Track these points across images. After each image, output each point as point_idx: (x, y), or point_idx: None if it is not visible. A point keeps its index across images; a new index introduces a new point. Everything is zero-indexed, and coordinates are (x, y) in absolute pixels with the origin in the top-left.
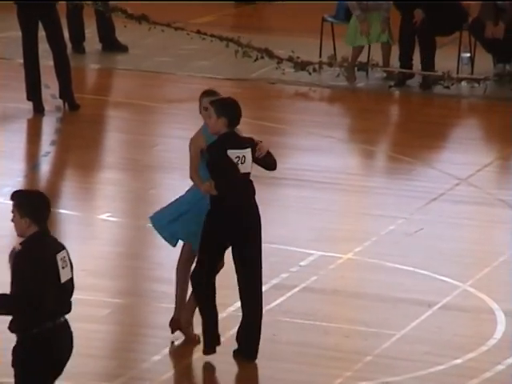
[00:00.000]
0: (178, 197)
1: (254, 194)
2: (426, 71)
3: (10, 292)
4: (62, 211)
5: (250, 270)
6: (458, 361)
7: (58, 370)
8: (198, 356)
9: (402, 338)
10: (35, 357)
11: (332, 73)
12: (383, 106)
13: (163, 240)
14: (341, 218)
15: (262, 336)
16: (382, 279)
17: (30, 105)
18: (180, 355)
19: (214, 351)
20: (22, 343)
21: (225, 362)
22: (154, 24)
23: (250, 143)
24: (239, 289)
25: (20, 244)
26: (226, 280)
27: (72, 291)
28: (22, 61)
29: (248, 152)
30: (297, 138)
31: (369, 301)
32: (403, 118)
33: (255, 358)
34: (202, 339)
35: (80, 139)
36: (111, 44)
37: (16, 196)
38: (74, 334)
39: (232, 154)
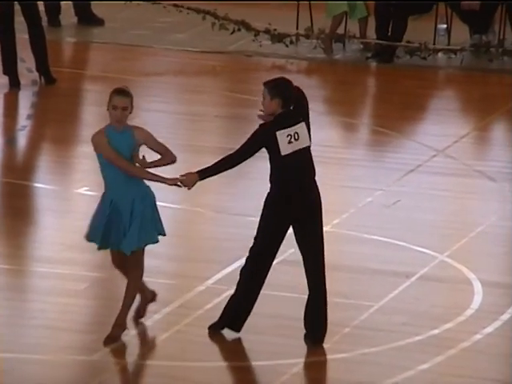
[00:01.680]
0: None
1: (314, 170)
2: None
3: None
4: (38, 185)
5: (316, 248)
6: (436, 331)
7: None
8: (176, 329)
9: (380, 309)
10: None
11: (309, 45)
12: (360, 78)
13: None
14: (321, 191)
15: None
16: (360, 251)
17: (5, 79)
18: (157, 328)
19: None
20: None
21: (201, 334)
22: None
23: (301, 115)
24: (305, 270)
25: None
26: (204, 253)
27: None
28: None
29: (300, 126)
30: None
31: (347, 272)
32: (380, 90)
33: (322, 340)
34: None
35: (56, 113)
36: (87, 17)
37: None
38: (51, 308)
39: (282, 134)
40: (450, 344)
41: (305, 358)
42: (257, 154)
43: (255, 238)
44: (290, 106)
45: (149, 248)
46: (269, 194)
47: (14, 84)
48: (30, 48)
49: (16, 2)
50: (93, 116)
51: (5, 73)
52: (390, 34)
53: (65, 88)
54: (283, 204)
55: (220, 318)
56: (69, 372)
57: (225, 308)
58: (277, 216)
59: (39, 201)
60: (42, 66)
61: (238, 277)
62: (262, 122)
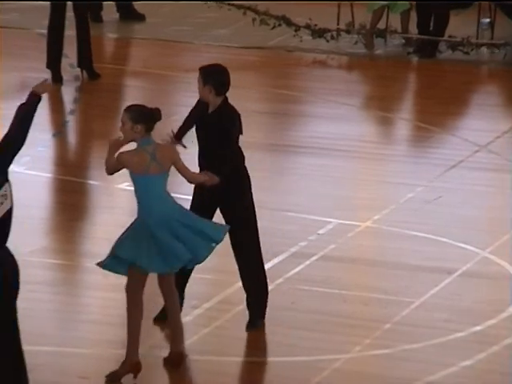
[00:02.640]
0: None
1: None
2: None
3: None
4: (81, 181)
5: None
6: (478, 328)
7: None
8: (217, 324)
9: (421, 305)
10: None
11: (350, 40)
12: (402, 73)
13: None
14: (359, 186)
15: (280, 304)
16: (401, 247)
17: (48, 74)
18: (197, 323)
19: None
20: None
21: (242, 330)
22: None
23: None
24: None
25: None
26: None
27: (10, 221)
28: (39, 31)
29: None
30: (314, 106)
31: (388, 268)
32: (422, 85)
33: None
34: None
35: (98, 108)
36: (129, 13)
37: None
38: (95, 303)
39: None
40: (493, 340)
41: (345, 353)
42: (300, 150)
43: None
44: (223, 93)
45: None
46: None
47: (57, 79)
48: (73, 43)
49: None
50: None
51: (48, 67)
52: (431, 28)
53: (106, 83)
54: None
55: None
56: (110, 366)
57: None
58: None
59: (82, 196)
60: (86, 62)
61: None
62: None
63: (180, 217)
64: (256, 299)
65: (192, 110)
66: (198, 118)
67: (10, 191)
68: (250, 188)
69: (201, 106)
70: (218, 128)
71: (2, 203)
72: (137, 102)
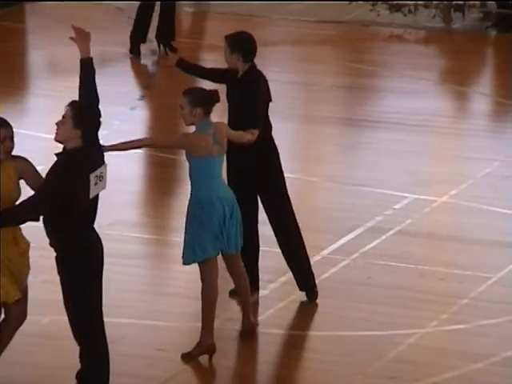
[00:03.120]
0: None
1: None
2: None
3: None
4: (163, 155)
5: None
6: None
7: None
8: (292, 298)
9: (499, 281)
10: (77, 264)
11: (428, 14)
12: (480, 48)
13: None
14: (436, 161)
15: (356, 279)
16: (478, 222)
17: (126, 48)
18: (273, 297)
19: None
20: (64, 253)
21: (317, 304)
22: None
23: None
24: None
25: (57, 154)
26: (319, 223)
27: (97, 204)
28: (116, 2)
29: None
30: (391, 81)
31: (464, 244)
32: (500, 60)
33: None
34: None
35: (174, 83)
36: None
37: (74, 106)
38: (176, 276)
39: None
40: None
41: (421, 328)
42: (376, 125)
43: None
44: (250, 60)
45: (264, 217)
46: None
47: (135, 53)
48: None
49: None
50: (210, 86)
51: (131, 41)
52: (511, 1)
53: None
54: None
55: None
56: (188, 339)
57: None
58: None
59: (157, 170)
60: (167, 36)
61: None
62: None
63: (233, 204)
64: (298, 270)
65: (222, 69)
66: (227, 81)
67: (105, 173)
68: (279, 158)
69: (230, 72)
70: (245, 91)
71: (96, 184)
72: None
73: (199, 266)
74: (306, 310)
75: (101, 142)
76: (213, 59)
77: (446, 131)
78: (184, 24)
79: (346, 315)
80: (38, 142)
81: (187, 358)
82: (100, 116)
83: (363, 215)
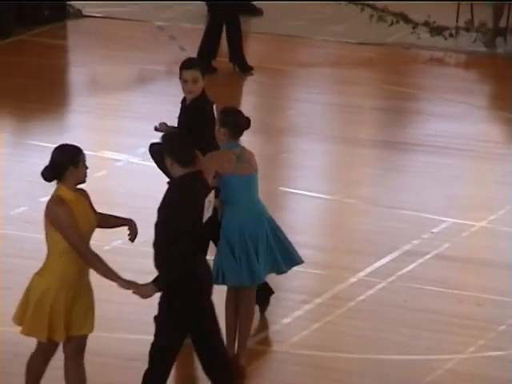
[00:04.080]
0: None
1: None
2: None
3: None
4: None
5: None
6: None
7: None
8: (328, 320)
9: None
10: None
11: (469, 38)
12: None
13: (295, 204)
14: (475, 186)
15: (392, 302)
16: None
17: (166, 66)
18: (308, 318)
19: None
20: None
21: (353, 326)
22: None
23: None
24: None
25: (169, 182)
26: (356, 245)
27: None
28: (158, 23)
29: None
30: (431, 104)
31: (503, 269)
32: None
33: None
34: None
35: (216, 102)
36: (247, 7)
37: (164, 139)
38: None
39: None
40: None
41: (458, 354)
42: (416, 148)
43: None
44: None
45: (301, 239)
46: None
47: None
48: (194, 37)
49: None
50: (249, 105)
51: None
52: None
53: (223, 77)
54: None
55: None
56: None
57: None
58: None
59: None
60: (236, 56)
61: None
62: None
63: (270, 224)
64: None
65: None
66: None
67: (213, 198)
68: None
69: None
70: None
71: (207, 208)
72: (253, 97)
73: None
74: (341, 332)
75: (139, 158)
76: (252, 79)
77: (486, 156)
78: (224, 44)
79: (382, 338)
80: None
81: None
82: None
83: (401, 238)
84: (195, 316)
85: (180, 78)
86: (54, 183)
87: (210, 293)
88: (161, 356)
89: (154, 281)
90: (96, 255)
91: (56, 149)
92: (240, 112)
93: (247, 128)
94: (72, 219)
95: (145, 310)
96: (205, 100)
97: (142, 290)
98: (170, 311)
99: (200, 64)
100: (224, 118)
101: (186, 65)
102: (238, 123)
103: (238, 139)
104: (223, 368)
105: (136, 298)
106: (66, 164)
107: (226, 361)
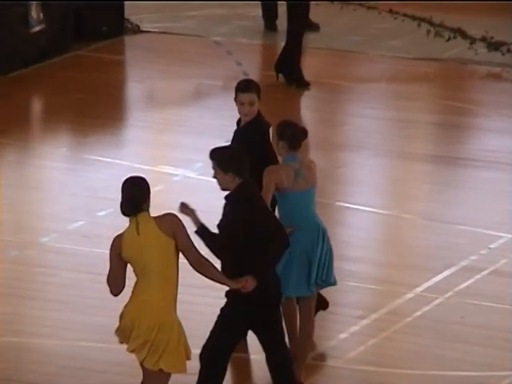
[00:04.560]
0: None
1: None
2: None
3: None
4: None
5: None
6: None
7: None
8: (385, 335)
9: None
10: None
11: None
12: None
13: (351, 219)
14: None
15: (449, 318)
16: None
17: (223, 81)
18: (364, 333)
19: None
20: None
21: (410, 342)
22: (347, 3)
23: None
24: None
25: (226, 197)
26: (413, 260)
27: None
28: (215, 38)
29: None
30: (488, 119)
31: None
32: None
33: None
34: None
35: (271, 116)
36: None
37: (216, 153)
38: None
39: None
40: None
41: None
42: (472, 163)
43: None
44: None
45: (357, 254)
46: None
47: (303, 84)
48: (248, 52)
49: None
50: (306, 120)
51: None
52: None
53: (281, 92)
54: None
55: None
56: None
57: None
58: None
59: None
60: (293, 70)
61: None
62: None
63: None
64: None
65: None
66: None
67: None
68: None
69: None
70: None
71: None
72: (309, 112)
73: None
74: (398, 348)
75: (195, 173)
76: (309, 94)
77: None
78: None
79: (439, 354)
80: (135, 173)
81: None
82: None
83: (458, 254)
84: (256, 324)
85: (235, 100)
86: (107, 199)
87: (276, 304)
88: (214, 356)
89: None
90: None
91: (130, 184)
92: (296, 123)
93: (305, 138)
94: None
95: None
96: (260, 121)
97: (249, 284)
98: (233, 315)
99: (256, 86)
100: (281, 131)
101: (243, 87)
102: (296, 134)
103: (297, 151)
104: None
105: None
106: (144, 199)
107: (291, 374)
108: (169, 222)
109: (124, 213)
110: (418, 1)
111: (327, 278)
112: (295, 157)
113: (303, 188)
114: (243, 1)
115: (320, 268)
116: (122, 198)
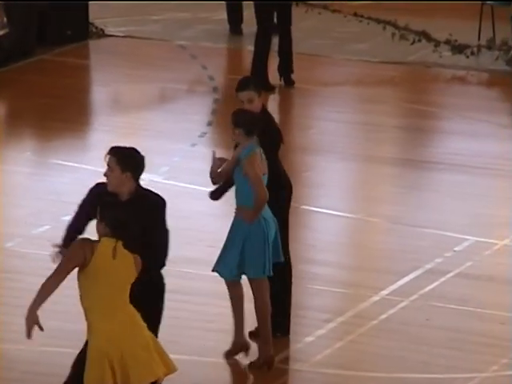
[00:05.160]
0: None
1: None
2: None
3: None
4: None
5: None
6: None
7: None
8: (351, 338)
9: None
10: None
11: (491, 56)
12: None
13: (317, 223)
14: (497, 204)
15: (414, 321)
16: None
17: (187, 85)
18: (331, 337)
19: None
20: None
21: (376, 345)
22: (311, 6)
23: None
24: None
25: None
26: (379, 264)
27: None
28: (179, 42)
29: None
30: (452, 122)
31: None
32: None
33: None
34: None
35: None
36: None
37: (116, 151)
38: (228, 312)
39: None
40: None
41: (481, 372)
42: (437, 166)
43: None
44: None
45: (323, 257)
46: None
47: (268, 88)
48: (213, 56)
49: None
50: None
51: (252, 73)
52: None
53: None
54: None
55: None
56: (241, 376)
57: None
58: None
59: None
60: (285, 68)
61: None
62: None
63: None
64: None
65: None
66: None
67: None
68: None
69: None
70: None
71: None
72: (275, 115)
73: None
74: (364, 351)
75: (161, 177)
76: (274, 98)
77: (508, 174)
78: (246, 62)
79: (405, 357)
80: (100, 177)
81: (227, 355)
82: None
83: (423, 256)
84: None
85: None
86: (71, 203)
87: None
88: None
89: None
90: None
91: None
92: (251, 111)
93: (261, 125)
94: None
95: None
96: (265, 116)
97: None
98: None
99: (255, 83)
100: (237, 119)
101: (240, 86)
102: (252, 121)
103: (253, 138)
104: None
105: None
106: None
107: None
108: (138, 261)
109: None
110: (383, 0)
111: (279, 256)
112: (255, 143)
113: (265, 172)
114: (208, 0)
115: (274, 247)
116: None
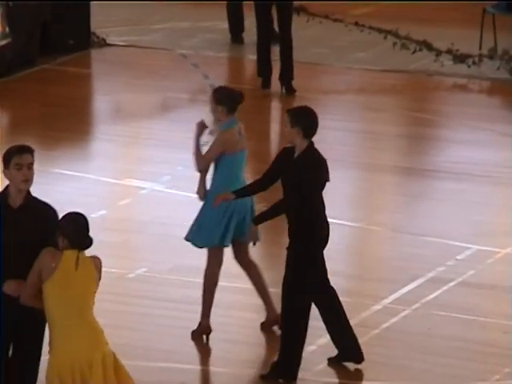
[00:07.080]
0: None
1: None
2: None
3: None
4: None
5: None
6: None
7: None
8: None
9: None
10: None
11: (492, 65)
12: None
13: None
14: (500, 212)
15: (416, 329)
16: None
17: (189, 94)
18: (332, 346)
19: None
20: None
21: (378, 353)
22: (313, 15)
23: None
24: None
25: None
26: (381, 272)
27: None
28: (181, 51)
29: None
30: (454, 131)
31: None
32: None
33: None
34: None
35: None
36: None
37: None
38: (232, 322)
39: None
40: None
41: (483, 381)
42: (439, 175)
43: None
44: (311, 136)
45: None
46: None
47: (267, 86)
48: (215, 65)
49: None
50: (274, 133)
51: (259, 75)
52: None
53: (246, 105)
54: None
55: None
56: None
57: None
58: None
59: None
60: (286, 76)
61: None
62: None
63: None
64: None
65: (277, 156)
66: (283, 163)
67: None
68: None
69: (286, 152)
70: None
71: None
72: (276, 124)
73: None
74: (366, 360)
75: (163, 186)
76: (275, 107)
77: (510, 182)
78: (247, 71)
79: (407, 366)
80: (102, 187)
81: (193, 336)
82: None
83: (425, 265)
84: None
85: None
86: (76, 209)
87: None
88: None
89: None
90: None
91: (81, 218)
92: (232, 88)
93: (242, 101)
94: None
95: (161, 338)
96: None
97: None
98: None
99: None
100: (219, 96)
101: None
102: (234, 97)
103: (234, 114)
104: None
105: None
106: None
107: None
108: (99, 264)
109: (86, 246)
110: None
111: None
112: (234, 120)
113: (243, 147)
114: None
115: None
116: (78, 231)
